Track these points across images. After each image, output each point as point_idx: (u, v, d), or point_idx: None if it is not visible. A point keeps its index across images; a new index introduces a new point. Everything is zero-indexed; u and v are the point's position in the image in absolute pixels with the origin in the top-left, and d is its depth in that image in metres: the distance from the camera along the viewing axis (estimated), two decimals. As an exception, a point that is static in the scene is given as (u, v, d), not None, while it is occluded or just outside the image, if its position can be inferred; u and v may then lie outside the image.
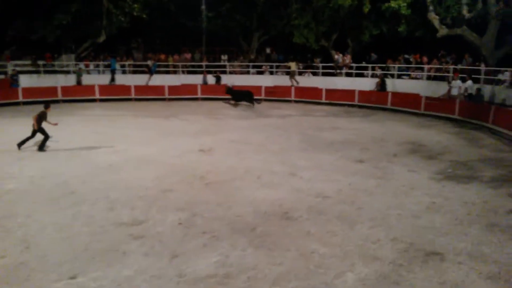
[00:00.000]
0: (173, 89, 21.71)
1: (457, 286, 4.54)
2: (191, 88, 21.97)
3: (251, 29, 26.29)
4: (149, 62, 22.89)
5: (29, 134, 10.29)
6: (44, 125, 10.37)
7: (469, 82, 15.81)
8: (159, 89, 21.63)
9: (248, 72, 24.30)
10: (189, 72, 24.04)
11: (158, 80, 22.41)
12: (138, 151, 10.39)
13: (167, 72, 23.81)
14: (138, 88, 21.51)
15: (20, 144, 10.30)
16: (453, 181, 8.28)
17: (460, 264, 4.99)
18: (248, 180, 8.21)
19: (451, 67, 17.91)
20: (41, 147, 10.31)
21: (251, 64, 24.67)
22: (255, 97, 19.54)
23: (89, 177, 8.26)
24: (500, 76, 16.04)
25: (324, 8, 20.97)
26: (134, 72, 23.50)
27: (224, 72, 23.75)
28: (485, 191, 7.76)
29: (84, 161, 9.50)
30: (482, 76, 16.40)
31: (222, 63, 25.01)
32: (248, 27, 26.15)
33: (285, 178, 8.38)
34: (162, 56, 24.43)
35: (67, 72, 22.37)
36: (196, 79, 22.75)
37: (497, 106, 14.05)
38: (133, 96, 21.22)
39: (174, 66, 24.07)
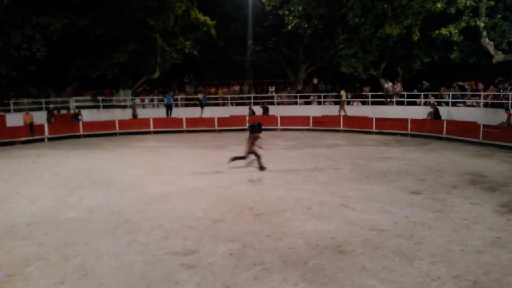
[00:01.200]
0: (222, 120, 22.27)
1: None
2: (239, 119, 22.42)
3: (298, 61, 26.67)
4: (200, 96, 23.78)
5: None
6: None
7: (532, 109, 14.89)
8: (209, 121, 22.31)
9: (296, 103, 24.48)
10: (238, 104, 24.63)
11: (208, 112, 23.15)
12: (188, 181, 10.64)
13: (217, 105, 24.55)
14: (190, 121, 22.29)
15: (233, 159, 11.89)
16: (520, 215, 7.68)
17: (534, 307, 4.54)
18: (298, 211, 8.08)
19: (510, 93, 16.99)
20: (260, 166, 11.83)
21: (298, 94, 24.86)
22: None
23: (143, 206, 8.53)
24: None
25: (372, 37, 20.90)
26: (186, 105, 24.47)
27: (272, 103, 24.08)
28: (558, 226, 7.10)
29: (138, 191, 9.85)
30: (546, 102, 15.40)
31: (269, 94, 25.41)
32: (294, 59, 26.56)
33: (336, 210, 8.17)
34: (212, 89, 25.32)
35: (124, 107, 23.73)
36: (244, 111, 23.23)
37: None
38: (184, 128, 21.98)
39: (223, 99, 24.80)
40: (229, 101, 24.60)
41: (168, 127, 22.04)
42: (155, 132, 21.60)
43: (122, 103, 24.41)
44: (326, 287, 5.05)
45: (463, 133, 16.72)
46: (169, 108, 23.24)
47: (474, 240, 6.53)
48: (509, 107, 15.93)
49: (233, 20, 27.64)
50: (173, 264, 5.76)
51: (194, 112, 23.30)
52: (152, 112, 23.70)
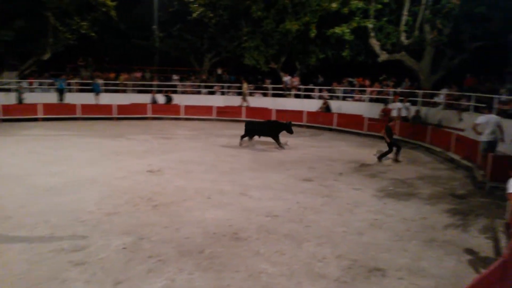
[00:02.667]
0: (122, 108, 21.22)
1: (397, 300, 4.74)
2: (140, 108, 21.60)
3: (203, 50, 26.51)
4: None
5: None
6: None
7: (408, 104, 16.85)
8: (107, 108, 21.07)
9: (199, 92, 24.35)
10: (140, 92, 23.65)
11: (106, 99, 21.83)
12: (81, 172, 10.00)
13: (116, 91, 23.29)
14: (85, 107, 20.82)
15: None
16: (394, 198, 8.72)
17: (401, 280, 5.23)
18: (197, 201, 8.14)
19: (391, 90, 19.02)
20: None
21: (202, 84, 24.75)
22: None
23: (27, 200, 7.81)
24: (436, 99, 17.25)
25: (273, 32, 21.64)
26: (81, 90, 22.74)
27: (176, 92, 23.63)
28: (423, 207, 8.23)
29: (22, 183, 8.97)
30: (419, 99, 17.54)
31: (173, 82, 24.88)
32: (199, 48, 26.34)
33: (235, 198, 8.41)
34: (112, 75, 23.92)
35: (8, 90, 21.18)
36: (147, 99, 22.41)
37: (433, 127, 15.06)
38: (79, 115, 20.47)
39: (124, 85, 23.61)
40: (130, 88, 23.49)
41: (60, 114, 20.25)
42: (45, 119, 19.73)
43: (6, 86, 21.77)
44: (221, 273, 5.22)
45: (351, 125, 18.31)
46: (61, 93, 21.36)
47: (356, 222, 7.26)
48: (388, 102, 17.85)
49: (137, 3, 26.37)
50: (60, 261, 5.41)
51: (90, 98, 21.78)
52: (42, 97, 21.47)
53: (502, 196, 7.99)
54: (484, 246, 6.40)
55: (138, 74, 25.01)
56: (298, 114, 20.26)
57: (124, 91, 23.42)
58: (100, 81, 22.55)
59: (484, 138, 10.28)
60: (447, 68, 18.49)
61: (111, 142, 14.62)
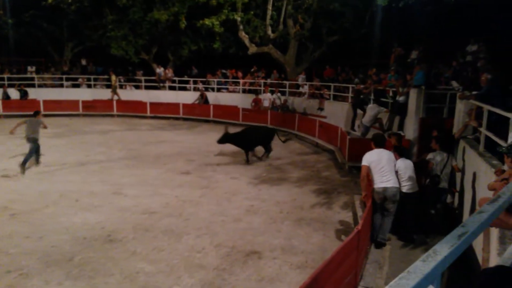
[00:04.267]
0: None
1: (272, 280, 5.03)
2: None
3: (62, 39, 24.07)
4: None
5: None
6: None
7: (279, 95, 17.90)
8: None
9: (62, 85, 22.09)
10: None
11: None
12: None
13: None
14: None
15: None
16: (267, 184, 9.22)
17: (275, 259, 5.56)
18: (63, 205, 7.43)
19: (262, 81, 19.97)
20: None
21: (64, 76, 22.48)
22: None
23: None
24: (301, 89, 18.66)
25: (141, 21, 20.75)
26: None
27: (32, 86, 21.05)
28: (293, 190, 8.87)
29: None
30: (287, 89, 18.76)
31: (28, 75, 22.09)
32: (58, 37, 23.84)
33: (107, 199, 7.91)
34: None
35: None
36: (-5, 94, 19.49)
37: (300, 115, 16.29)
38: None
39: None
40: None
41: None
42: None
43: None
44: (93, 280, 4.87)
45: (227, 116, 18.70)
46: None
47: (233, 210, 7.48)
48: (260, 93, 18.74)
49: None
50: None
51: None
52: None
53: (359, 174, 9.06)
54: (346, 220, 7.20)
55: (-16, 66, 21.60)
56: (174, 106, 19.88)
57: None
58: None
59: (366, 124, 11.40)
60: (309, 60, 20.12)
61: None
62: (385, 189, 5.73)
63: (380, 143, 5.92)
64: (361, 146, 8.93)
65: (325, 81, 17.57)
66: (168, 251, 5.70)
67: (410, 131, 9.57)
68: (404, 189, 6.01)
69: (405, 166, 6.06)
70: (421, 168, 6.67)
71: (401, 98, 10.52)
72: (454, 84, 10.14)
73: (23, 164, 9.54)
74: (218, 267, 5.25)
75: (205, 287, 4.78)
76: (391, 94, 12.02)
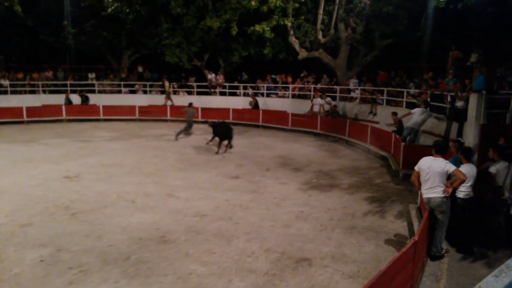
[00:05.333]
0: (32, 110, 19.53)
1: None
2: (53, 109, 20.06)
3: (121, 47, 25.34)
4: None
5: None
6: None
7: (329, 99, 17.67)
8: (16, 110, 19.23)
9: (120, 92, 23.25)
10: (51, 92, 21.95)
11: (14, 100, 19.96)
12: (-13, 183, 9.04)
13: (25, 92, 21.38)
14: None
15: None
16: (317, 190, 9.09)
17: (326, 267, 5.46)
18: (120, 206, 7.77)
19: (312, 86, 19.81)
20: None
21: (122, 82, 23.65)
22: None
23: None
24: (352, 94, 18.29)
25: (195, 29, 21.36)
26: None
27: (93, 92, 22.33)
28: (344, 197, 8.68)
29: None
30: (338, 94, 18.46)
31: (89, 81, 23.45)
32: (116, 45, 25.14)
33: (161, 200, 8.17)
34: (20, 75, 21.87)
35: None
36: (60, 100, 20.85)
37: (351, 121, 15.96)
38: (-19, 119, 18.47)
39: (33, 85, 21.74)
40: (40, 88, 21.67)
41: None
42: None
43: None
44: (148, 279, 5.03)
45: (276, 121, 18.74)
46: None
47: (282, 215, 7.45)
48: (312, 98, 18.58)
49: (44, -3, 24.45)
50: (-36, 283, 4.85)
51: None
52: None
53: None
54: (400, 230, 6.92)
55: (49, 74, 23.19)
56: (224, 111, 20.22)
57: (34, 92, 21.59)
58: (5, 82, 20.52)
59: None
60: (361, 65, 19.69)
61: (22, 148, 13.40)
62: (429, 199, 5.50)
63: (440, 150, 5.61)
64: (416, 153, 8.56)
65: (378, 85, 17.09)
66: (219, 254, 5.77)
67: (470, 138, 9.03)
68: (461, 195, 5.70)
69: (471, 172, 5.74)
70: (482, 178, 6.28)
71: (459, 103, 10.01)
72: (519, 88, 9.48)
73: (178, 135, 15.23)
74: (268, 273, 5.23)
75: (255, 292, 4.79)
76: (449, 99, 11.47)
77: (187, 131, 15.75)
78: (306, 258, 5.68)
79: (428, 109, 11.42)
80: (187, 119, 15.87)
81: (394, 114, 12.66)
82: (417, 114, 11.05)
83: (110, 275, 5.11)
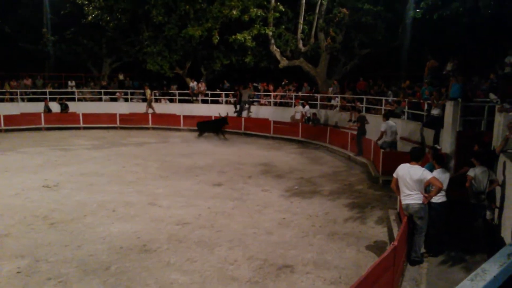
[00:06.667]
0: (9, 118, 19.13)
1: (305, 293, 4.98)
2: (32, 118, 19.69)
3: (101, 54, 25.12)
4: None
5: None
6: None
7: (307, 107, 17.87)
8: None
9: (100, 99, 22.98)
10: (30, 100, 21.55)
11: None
12: (-38, 193, 8.80)
13: (1, 100, 20.93)
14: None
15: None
16: (299, 197, 9.17)
17: (308, 274, 5.50)
18: (101, 215, 7.67)
19: (293, 94, 20.02)
20: None
21: (103, 90, 23.40)
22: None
23: None
24: (332, 102, 18.55)
25: (176, 37, 21.37)
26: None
27: (73, 100, 22.01)
28: (325, 203, 8.78)
29: None
30: (318, 102, 18.69)
31: (69, 89, 23.12)
32: (97, 53, 24.91)
33: (143, 209, 8.10)
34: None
35: None
36: (39, 107, 20.48)
37: (332, 128, 16.17)
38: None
39: (11, 93, 21.31)
40: (18, 96, 21.24)
41: None
42: None
43: None
44: (129, 289, 4.99)
45: (258, 129, 18.83)
46: None
47: (265, 223, 7.48)
48: (294, 106, 18.78)
49: (22, 4, 24.03)
50: None
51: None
52: None
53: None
54: (380, 235, 7.04)
55: (28, 81, 22.78)
56: (206, 119, 20.19)
57: (12, 100, 21.16)
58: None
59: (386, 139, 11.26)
60: (341, 73, 20.02)
61: (0, 156, 13.11)
62: (407, 205, 5.63)
63: (416, 158, 5.75)
64: (395, 160, 8.73)
65: (358, 93, 17.40)
66: (201, 262, 5.76)
67: (447, 144, 9.31)
68: (435, 199, 5.86)
69: (443, 177, 5.89)
70: (459, 183, 6.46)
71: (435, 111, 10.28)
72: (492, 96, 9.81)
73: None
74: (251, 280, 5.25)
75: (237, 300, 4.80)
76: (426, 107, 11.76)
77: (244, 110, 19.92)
78: (288, 265, 5.72)
79: (389, 119, 11.49)
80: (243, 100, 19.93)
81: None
82: (386, 129, 11.25)
83: (91, 286, 5.04)
